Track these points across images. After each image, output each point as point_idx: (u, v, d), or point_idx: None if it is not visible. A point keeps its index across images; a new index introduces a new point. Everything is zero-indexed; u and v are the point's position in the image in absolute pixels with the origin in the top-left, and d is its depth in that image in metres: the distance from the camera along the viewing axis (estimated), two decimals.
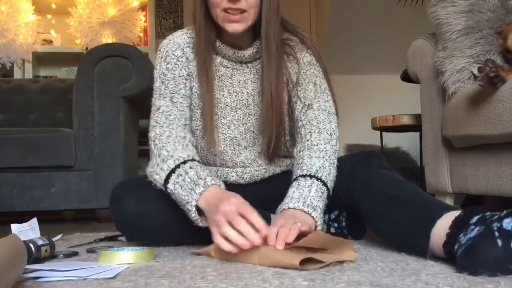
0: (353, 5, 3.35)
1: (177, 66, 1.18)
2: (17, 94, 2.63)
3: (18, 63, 3.35)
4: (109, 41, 3.34)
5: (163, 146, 1.12)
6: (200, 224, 1.02)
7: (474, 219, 0.79)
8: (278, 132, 1.16)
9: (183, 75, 1.18)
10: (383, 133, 2.77)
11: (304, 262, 0.81)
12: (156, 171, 1.10)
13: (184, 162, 1.08)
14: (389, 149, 3.15)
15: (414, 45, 1.85)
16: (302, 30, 1.26)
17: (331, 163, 1.11)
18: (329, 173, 1.09)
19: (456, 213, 0.85)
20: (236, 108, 1.20)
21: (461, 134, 1.51)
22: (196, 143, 1.20)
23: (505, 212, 0.76)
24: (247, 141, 1.22)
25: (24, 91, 2.64)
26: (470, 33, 1.56)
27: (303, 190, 1.04)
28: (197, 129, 1.19)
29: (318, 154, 1.11)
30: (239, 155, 1.22)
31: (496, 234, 0.72)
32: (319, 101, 1.18)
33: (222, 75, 1.20)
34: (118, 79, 2.07)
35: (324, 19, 3.63)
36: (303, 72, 1.19)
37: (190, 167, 1.06)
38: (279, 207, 1.05)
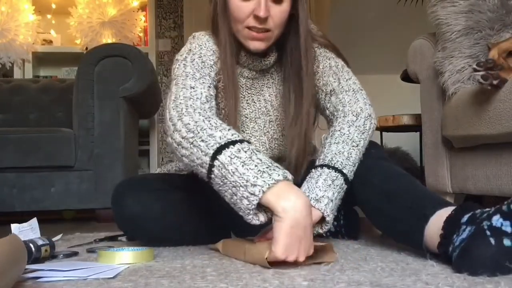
0: (353, 5, 3.35)
1: (213, 68, 1.08)
2: (17, 94, 2.63)
3: (18, 63, 3.35)
4: (109, 41, 3.34)
5: (210, 117, 0.94)
6: (249, 217, 0.84)
7: (465, 218, 0.79)
8: (304, 147, 1.10)
9: (215, 80, 1.08)
10: (383, 133, 2.77)
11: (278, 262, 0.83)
12: (201, 137, 0.89)
13: (248, 141, 0.90)
14: (389, 149, 3.15)
15: (414, 45, 1.85)
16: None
17: (353, 145, 1.04)
18: (348, 157, 1.02)
19: (449, 209, 0.84)
20: (255, 118, 1.17)
21: (461, 134, 1.51)
22: None
23: (493, 209, 0.76)
24: (273, 150, 1.18)
25: (24, 91, 2.64)
26: (470, 33, 1.56)
27: (311, 183, 1.00)
28: None
29: (338, 140, 1.05)
30: None
31: (488, 233, 0.73)
32: (340, 82, 1.14)
33: (242, 86, 1.15)
34: (118, 79, 2.07)
35: (324, 19, 3.63)
36: (317, 61, 1.16)
37: (258, 151, 0.88)
38: None
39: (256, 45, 1.06)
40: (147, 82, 2.10)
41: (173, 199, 1.14)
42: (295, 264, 0.84)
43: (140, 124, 2.74)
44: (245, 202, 0.82)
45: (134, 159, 2.42)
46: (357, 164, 1.04)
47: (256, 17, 1.01)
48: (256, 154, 0.86)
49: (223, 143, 0.86)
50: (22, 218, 1.32)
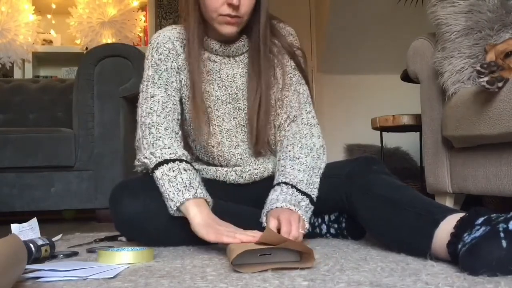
0: (353, 5, 3.36)
1: (168, 58, 1.22)
2: (17, 94, 2.63)
3: (18, 63, 3.35)
4: (109, 41, 3.34)
5: (160, 137, 1.16)
6: (172, 213, 1.09)
7: (480, 220, 0.79)
8: (265, 122, 1.22)
9: (174, 68, 1.23)
10: (383, 133, 2.77)
11: (252, 265, 0.83)
12: (145, 155, 1.15)
13: (180, 160, 1.12)
14: (389, 149, 3.15)
15: (414, 45, 1.85)
16: (280, 21, 1.30)
17: (310, 174, 1.16)
18: (308, 183, 1.15)
19: (460, 215, 0.85)
20: (226, 102, 1.25)
21: (461, 134, 1.51)
22: (194, 136, 1.24)
23: (511, 213, 0.76)
24: (240, 134, 1.26)
25: (24, 91, 2.64)
26: (469, 34, 1.56)
27: (286, 195, 1.10)
28: (192, 121, 1.22)
29: (299, 167, 1.16)
30: (237, 146, 1.25)
31: (502, 235, 0.72)
32: (302, 113, 1.24)
33: (210, 69, 1.25)
34: (118, 79, 2.07)
35: (324, 19, 3.63)
36: (289, 77, 1.25)
37: (185, 170, 1.11)
38: (264, 210, 1.09)
39: (229, 29, 1.16)
40: None
41: None
42: (262, 267, 0.82)
43: None
44: (168, 206, 1.08)
45: (134, 159, 2.41)
46: (316, 188, 1.16)
47: (230, 5, 1.11)
48: (181, 173, 1.09)
49: (160, 161, 1.12)
50: (22, 218, 1.32)
